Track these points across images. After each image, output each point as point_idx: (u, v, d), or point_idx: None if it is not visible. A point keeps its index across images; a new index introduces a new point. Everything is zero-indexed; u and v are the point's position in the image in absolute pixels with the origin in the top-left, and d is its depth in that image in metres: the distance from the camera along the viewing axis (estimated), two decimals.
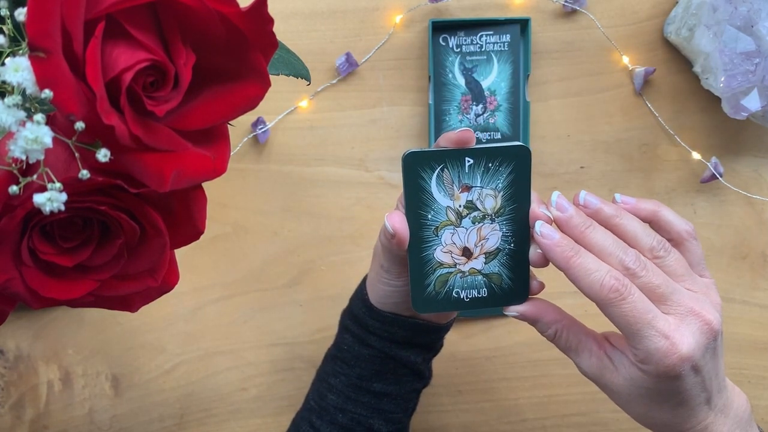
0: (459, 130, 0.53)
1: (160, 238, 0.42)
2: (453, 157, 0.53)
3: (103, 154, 0.35)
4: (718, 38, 0.69)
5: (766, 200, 0.81)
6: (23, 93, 0.34)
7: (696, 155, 0.79)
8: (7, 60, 0.33)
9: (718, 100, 0.74)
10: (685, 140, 0.79)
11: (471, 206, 0.54)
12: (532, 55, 0.78)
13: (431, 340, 0.64)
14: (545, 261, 0.53)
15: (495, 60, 0.77)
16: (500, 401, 0.83)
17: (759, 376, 0.83)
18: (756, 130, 0.80)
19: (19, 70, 0.33)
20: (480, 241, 0.55)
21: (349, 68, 0.78)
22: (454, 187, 0.54)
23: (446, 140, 0.53)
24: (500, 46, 0.77)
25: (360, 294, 0.64)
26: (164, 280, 0.44)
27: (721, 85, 0.70)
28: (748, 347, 0.82)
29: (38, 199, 0.35)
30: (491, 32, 0.77)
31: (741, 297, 0.81)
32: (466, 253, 0.56)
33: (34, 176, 0.35)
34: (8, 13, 0.34)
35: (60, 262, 0.40)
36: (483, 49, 0.77)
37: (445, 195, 0.54)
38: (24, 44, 0.34)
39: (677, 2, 0.77)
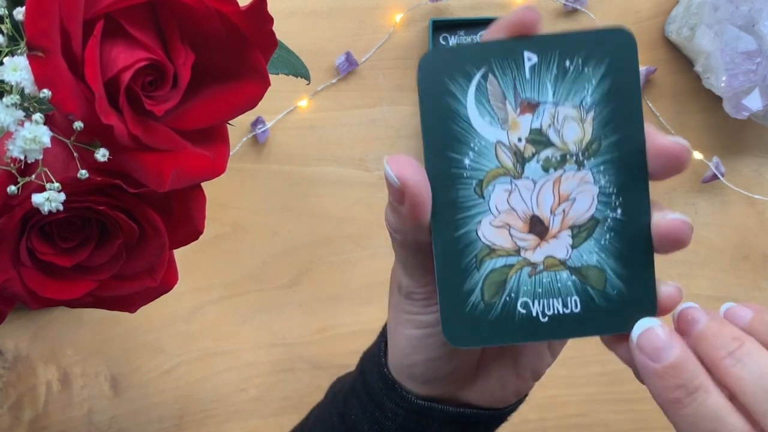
0: (519, 10, 0.33)
1: (159, 238, 0.42)
2: (503, 53, 0.32)
3: (101, 154, 0.35)
4: (720, 38, 0.69)
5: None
6: (22, 92, 0.34)
7: (697, 155, 0.79)
8: (6, 59, 0.33)
9: (719, 99, 0.74)
10: (686, 140, 0.79)
11: (540, 139, 0.33)
12: None
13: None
14: (677, 240, 0.33)
15: None
16: None
17: None
18: (757, 129, 0.79)
19: (18, 69, 0.33)
20: (560, 203, 0.33)
21: (349, 67, 0.78)
22: (508, 107, 0.33)
23: (499, 30, 0.33)
24: None
25: (376, 354, 0.44)
26: (163, 280, 0.44)
27: (723, 84, 0.70)
28: None
29: (37, 199, 0.35)
30: None
31: (742, 297, 0.81)
32: (537, 226, 0.33)
33: (33, 176, 0.35)
34: (7, 12, 0.34)
35: (58, 263, 0.40)
36: None
37: (492, 121, 0.33)
38: (22, 43, 0.34)
39: (678, 1, 0.77)
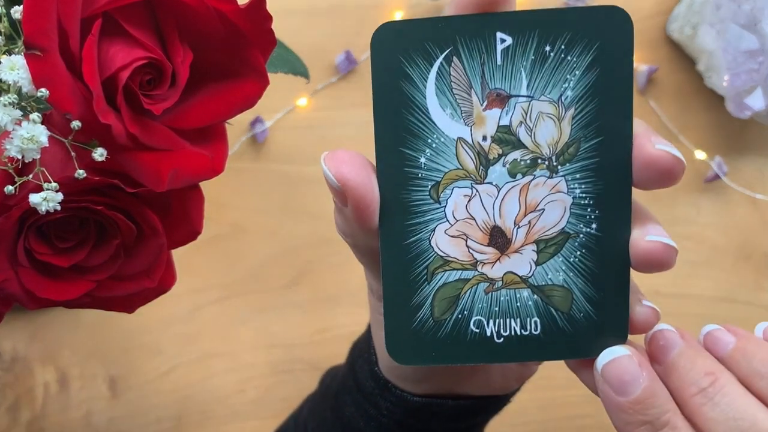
0: None
1: (157, 239, 0.42)
2: (471, 32, 0.27)
3: (99, 153, 0.35)
4: (722, 36, 0.69)
5: None
6: (19, 91, 0.34)
7: (699, 154, 0.79)
8: (3, 58, 0.33)
9: (721, 98, 0.74)
10: (688, 139, 0.79)
11: (508, 139, 0.28)
12: None
13: (483, 420, 0.43)
14: (657, 264, 0.31)
15: None
16: None
17: None
18: (760, 129, 0.79)
19: (15, 68, 0.33)
20: (526, 214, 0.29)
21: (348, 66, 0.77)
22: (474, 98, 0.28)
23: (464, 4, 0.28)
24: None
25: (365, 351, 0.43)
26: (161, 280, 0.44)
27: (725, 83, 0.70)
28: None
29: (34, 198, 0.35)
30: None
31: (745, 298, 0.81)
32: (498, 238, 0.29)
33: (30, 176, 0.35)
34: (4, 11, 0.34)
35: (56, 263, 0.40)
36: None
37: (455, 114, 0.28)
38: (20, 42, 0.34)
39: (680, 0, 0.77)
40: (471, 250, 0.29)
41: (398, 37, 0.27)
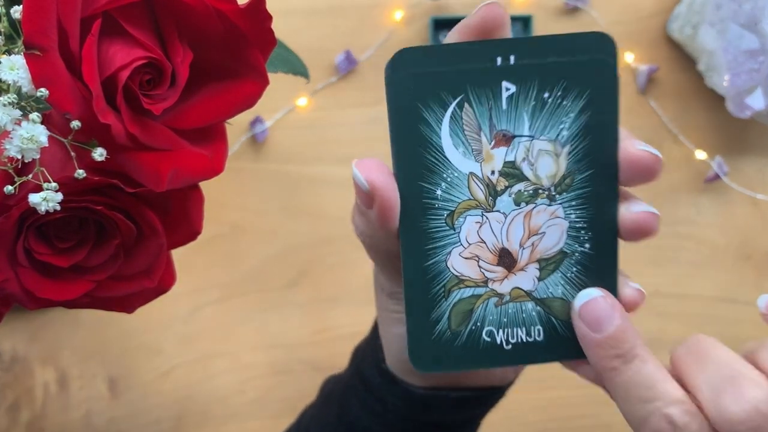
0: (481, 7, 0.32)
1: (156, 239, 0.42)
2: (480, 81, 0.31)
3: (99, 153, 0.35)
4: (722, 36, 0.69)
5: None
6: (19, 91, 0.34)
7: (700, 154, 0.79)
8: (3, 58, 0.33)
9: (722, 98, 0.74)
10: (688, 139, 0.79)
11: (513, 173, 0.33)
12: None
13: (483, 411, 0.45)
14: (646, 227, 0.33)
15: None
16: (502, 403, 0.83)
17: None
18: (760, 129, 0.79)
19: (15, 68, 0.33)
20: (530, 237, 0.33)
21: (348, 66, 0.77)
22: (483, 138, 0.32)
23: (463, 34, 0.32)
24: None
25: (372, 348, 0.44)
26: (161, 281, 0.44)
27: (725, 83, 0.70)
28: None
29: (34, 198, 0.35)
30: None
31: (745, 298, 0.81)
32: (505, 259, 0.33)
33: (30, 176, 0.35)
34: (4, 10, 0.34)
35: (56, 263, 0.40)
36: None
37: (466, 152, 0.32)
38: (19, 42, 0.34)
39: (681, 0, 0.77)
40: (482, 270, 0.34)
41: (416, 83, 0.32)
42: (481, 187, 0.33)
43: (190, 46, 0.39)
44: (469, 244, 0.33)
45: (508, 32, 0.32)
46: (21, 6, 0.33)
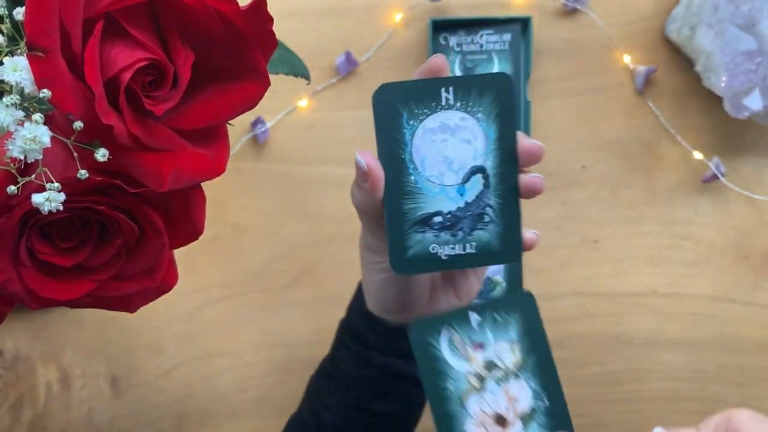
0: (432, 58, 0.47)
1: (158, 239, 0.42)
2: (458, 316, 0.48)
3: (101, 154, 0.35)
4: (720, 37, 0.69)
5: None
6: (22, 92, 0.34)
7: (698, 155, 0.79)
8: (6, 59, 0.33)
9: (719, 99, 0.74)
10: (686, 140, 0.79)
11: (490, 365, 0.49)
12: (533, 54, 0.78)
13: None
14: (535, 190, 0.48)
15: (496, 59, 0.77)
16: None
17: (761, 377, 0.82)
18: (758, 129, 0.79)
19: (18, 69, 0.33)
20: (511, 403, 0.48)
21: (349, 67, 0.78)
22: (468, 349, 0.48)
23: (421, 73, 0.47)
24: (501, 45, 0.77)
25: (357, 303, 0.58)
26: (163, 280, 0.44)
27: (723, 84, 0.70)
28: (750, 348, 0.82)
29: (36, 198, 0.35)
30: (492, 31, 0.76)
31: (742, 297, 0.81)
32: (501, 421, 0.48)
33: (33, 176, 0.35)
34: (7, 12, 0.34)
35: (58, 263, 0.40)
36: (483, 49, 0.77)
37: (461, 359, 0.48)
38: (22, 43, 0.34)
39: (679, 1, 0.77)
40: (488, 430, 0.48)
41: (421, 328, 0.48)
42: (474, 378, 0.48)
43: (192, 48, 0.39)
44: (476, 417, 0.48)
45: (448, 73, 0.47)
46: (24, 7, 0.33)
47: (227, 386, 0.81)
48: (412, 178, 0.47)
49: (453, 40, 0.77)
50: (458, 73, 0.77)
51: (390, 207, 0.47)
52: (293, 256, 0.80)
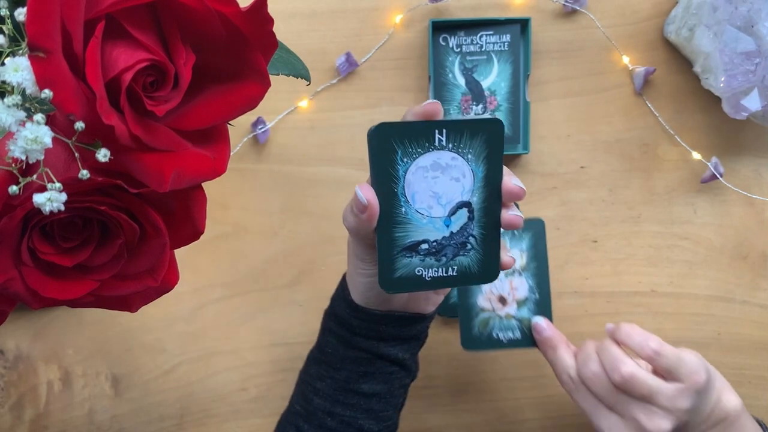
0: (427, 103, 0.51)
1: (159, 238, 0.42)
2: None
3: (102, 154, 0.35)
4: (719, 38, 0.69)
5: (767, 200, 0.81)
6: (23, 93, 0.34)
7: (696, 155, 0.79)
8: (7, 60, 0.33)
9: (718, 100, 0.74)
10: (685, 140, 0.79)
11: None
12: (532, 55, 0.78)
13: (418, 331, 0.63)
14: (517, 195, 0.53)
15: (495, 60, 0.77)
16: (500, 401, 0.83)
17: (759, 377, 0.83)
18: (756, 130, 0.80)
19: (19, 70, 0.33)
20: (512, 290, 0.69)
21: (349, 68, 0.78)
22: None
23: (415, 115, 0.52)
24: (500, 46, 0.77)
25: (341, 293, 0.63)
26: (164, 280, 0.44)
27: (722, 85, 0.70)
28: (749, 347, 0.82)
29: (38, 199, 0.35)
30: (491, 32, 0.77)
31: (741, 297, 0.81)
32: (502, 301, 0.69)
33: (34, 176, 0.35)
34: (8, 12, 0.34)
35: (60, 262, 0.40)
36: (483, 49, 0.77)
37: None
38: (24, 44, 0.34)
39: (677, 2, 0.77)
40: (492, 304, 0.70)
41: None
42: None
43: (193, 49, 0.39)
44: (485, 293, 0.69)
45: (441, 117, 0.51)
46: (25, 8, 0.33)
47: (228, 385, 0.82)
48: (403, 209, 0.51)
49: (453, 41, 0.77)
50: (458, 74, 0.77)
51: (381, 234, 0.51)
52: (293, 255, 0.81)
